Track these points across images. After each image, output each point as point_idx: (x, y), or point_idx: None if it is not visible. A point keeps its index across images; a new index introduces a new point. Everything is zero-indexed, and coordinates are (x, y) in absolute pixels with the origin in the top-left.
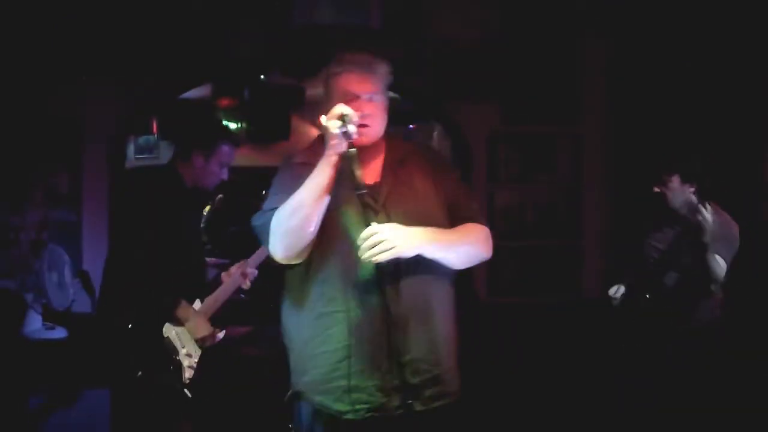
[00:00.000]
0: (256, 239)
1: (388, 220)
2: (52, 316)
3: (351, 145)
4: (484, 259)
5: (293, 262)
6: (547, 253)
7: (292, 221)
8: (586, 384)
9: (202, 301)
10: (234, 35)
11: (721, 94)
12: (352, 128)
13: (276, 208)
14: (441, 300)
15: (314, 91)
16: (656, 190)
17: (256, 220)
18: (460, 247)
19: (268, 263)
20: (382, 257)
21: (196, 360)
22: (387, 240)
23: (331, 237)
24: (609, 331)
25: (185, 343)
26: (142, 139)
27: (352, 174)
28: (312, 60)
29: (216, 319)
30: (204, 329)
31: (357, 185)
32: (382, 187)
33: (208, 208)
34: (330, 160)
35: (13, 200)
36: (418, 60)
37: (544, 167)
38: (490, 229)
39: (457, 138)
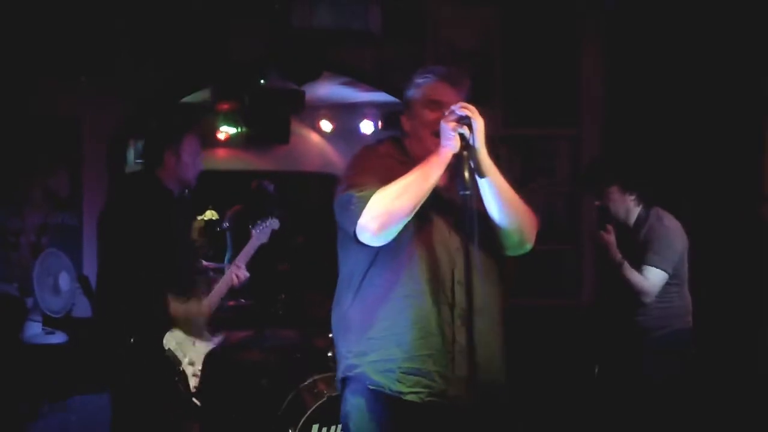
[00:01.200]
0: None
1: (476, 222)
2: (51, 321)
3: (464, 147)
4: (528, 238)
5: (374, 243)
6: (546, 257)
7: (397, 202)
8: (584, 387)
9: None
10: (234, 39)
11: (718, 97)
12: (467, 131)
13: (367, 184)
14: (501, 303)
15: (313, 94)
16: (597, 203)
17: (352, 194)
18: (515, 197)
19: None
20: (462, 125)
21: (200, 367)
22: (479, 120)
23: (423, 227)
24: (605, 335)
25: (186, 352)
26: (142, 144)
27: (460, 174)
28: (311, 64)
29: (217, 323)
30: (199, 308)
31: (464, 185)
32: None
33: (209, 214)
34: (445, 157)
35: (14, 203)
36: (418, 64)
37: (543, 171)
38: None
39: None
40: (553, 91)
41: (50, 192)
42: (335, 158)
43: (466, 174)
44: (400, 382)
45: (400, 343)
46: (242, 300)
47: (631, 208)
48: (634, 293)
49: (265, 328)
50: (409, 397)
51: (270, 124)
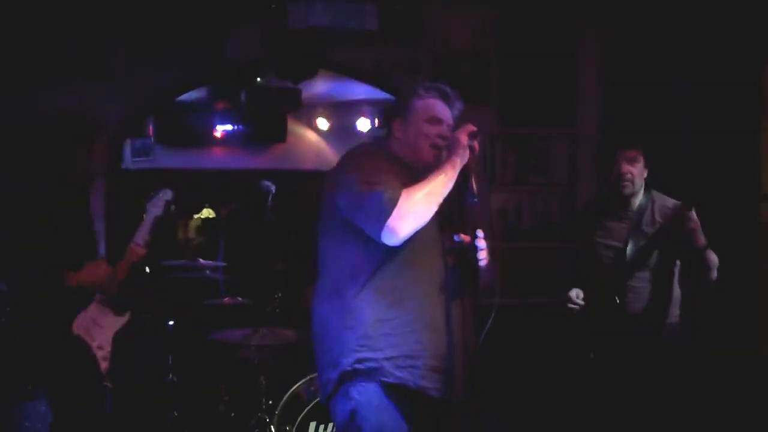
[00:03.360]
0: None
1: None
2: None
3: (471, 159)
4: None
5: (397, 243)
6: (543, 255)
7: (423, 206)
8: (583, 386)
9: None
10: (231, 38)
11: (715, 97)
12: (476, 145)
13: (388, 184)
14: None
15: (309, 92)
16: (627, 169)
17: (381, 193)
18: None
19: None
20: (483, 262)
21: (109, 350)
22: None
23: (426, 230)
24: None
25: (95, 335)
26: (138, 142)
27: (469, 184)
28: (308, 62)
29: (214, 324)
30: (97, 271)
31: (471, 194)
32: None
33: (206, 212)
34: (457, 165)
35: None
36: (415, 63)
37: (539, 169)
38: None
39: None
40: (550, 90)
41: None
42: (332, 156)
43: (474, 183)
44: (424, 378)
45: (422, 341)
46: (239, 298)
47: (639, 185)
48: (709, 273)
49: (262, 327)
50: (432, 393)
51: (266, 123)
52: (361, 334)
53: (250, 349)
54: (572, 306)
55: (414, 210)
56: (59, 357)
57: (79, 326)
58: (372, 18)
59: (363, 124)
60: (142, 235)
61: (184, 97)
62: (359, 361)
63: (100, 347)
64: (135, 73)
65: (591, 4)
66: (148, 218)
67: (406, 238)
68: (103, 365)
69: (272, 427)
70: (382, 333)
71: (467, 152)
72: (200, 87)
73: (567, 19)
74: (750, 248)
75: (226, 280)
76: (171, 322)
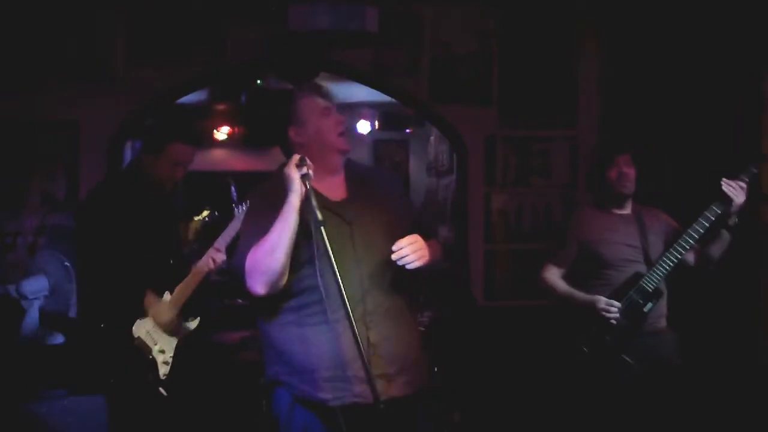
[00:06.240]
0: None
1: (360, 233)
2: (49, 322)
3: (308, 186)
4: None
5: (272, 294)
6: (544, 257)
7: (267, 262)
8: (583, 388)
9: (171, 293)
10: (231, 40)
11: (716, 97)
12: (309, 171)
13: (240, 249)
14: (404, 299)
15: None
16: (627, 170)
17: (237, 262)
18: (437, 262)
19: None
20: (416, 264)
21: (171, 355)
22: (423, 249)
23: (314, 253)
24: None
25: (158, 339)
26: (138, 144)
27: (311, 211)
28: (308, 64)
29: (213, 325)
30: (166, 314)
31: (316, 220)
32: (353, 203)
33: (206, 214)
34: (293, 205)
35: (11, 205)
36: (416, 65)
37: (540, 170)
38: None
39: (455, 142)
40: (550, 91)
41: (48, 194)
42: None
43: (316, 210)
44: (322, 390)
45: (318, 355)
46: (239, 300)
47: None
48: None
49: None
50: (333, 403)
51: (267, 125)
52: (273, 351)
53: (251, 351)
54: (611, 316)
55: (259, 268)
56: (117, 355)
57: (141, 328)
58: (373, 20)
59: (363, 127)
60: (223, 242)
61: (185, 99)
62: (273, 374)
63: (161, 351)
64: (136, 76)
65: (591, 4)
66: (235, 226)
67: (282, 283)
68: (164, 369)
69: None
70: (288, 351)
71: (301, 184)
72: (201, 89)
73: (567, 19)
74: (752, 249)
75: (225, 282)
76: None
